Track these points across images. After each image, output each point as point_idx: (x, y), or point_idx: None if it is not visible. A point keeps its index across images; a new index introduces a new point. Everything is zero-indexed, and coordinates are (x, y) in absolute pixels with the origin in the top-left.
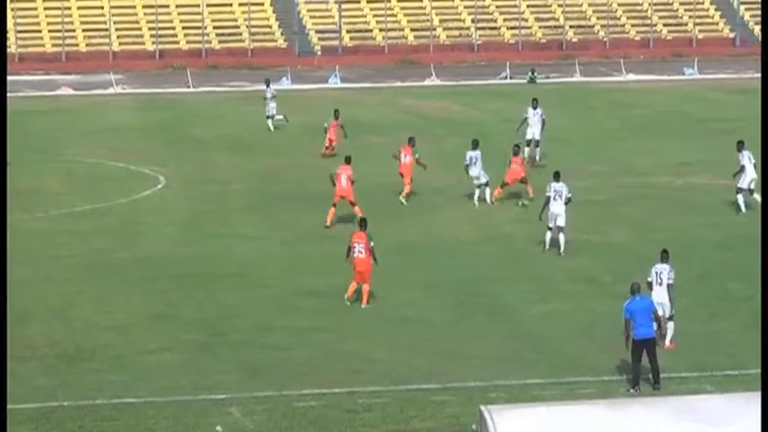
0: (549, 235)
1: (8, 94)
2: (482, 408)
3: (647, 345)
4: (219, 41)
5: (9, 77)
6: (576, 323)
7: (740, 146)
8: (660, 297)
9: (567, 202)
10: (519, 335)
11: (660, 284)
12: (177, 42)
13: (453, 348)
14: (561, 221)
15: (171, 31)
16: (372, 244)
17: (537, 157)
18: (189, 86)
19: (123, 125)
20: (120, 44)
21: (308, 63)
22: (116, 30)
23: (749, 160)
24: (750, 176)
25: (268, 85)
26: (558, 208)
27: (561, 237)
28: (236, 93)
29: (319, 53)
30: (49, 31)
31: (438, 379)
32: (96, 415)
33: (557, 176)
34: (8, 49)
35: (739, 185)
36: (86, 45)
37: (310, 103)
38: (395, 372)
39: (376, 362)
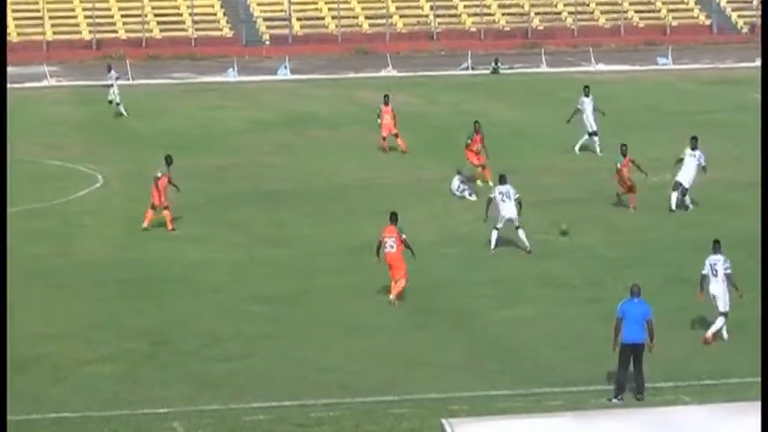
0: (495, 234)
1: None
2: (443, 421)
3: (635, 350)
4: (161, 30)
5: None
6: (543, 330)
7: (693, 143)
8: (716, 290)
9: (519, 203)
10: (482, 342)
11: (716, 276)
12: (115, 31)
13: (412, 357)
14: (516, 221)
15: (109, 20)
16: (405, 236)
17: (598, 150)
18: (128, 78)
19: (58, 120)
20: (54, 33)
21: (256, 53)
22: (50, 18)
23: (697, 159)
24: (689, 175)
25: (110, 71)
26: (509, 210)
27: (522, 234)
28: (178, 85)
29: (268, 42)
30: None
31: (396, 390)
32: (32, 431)
33: (503, 179)
34: None
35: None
36: (18, 35)
37: (258, 96)
38: (349, 382)
39: (329, 371)
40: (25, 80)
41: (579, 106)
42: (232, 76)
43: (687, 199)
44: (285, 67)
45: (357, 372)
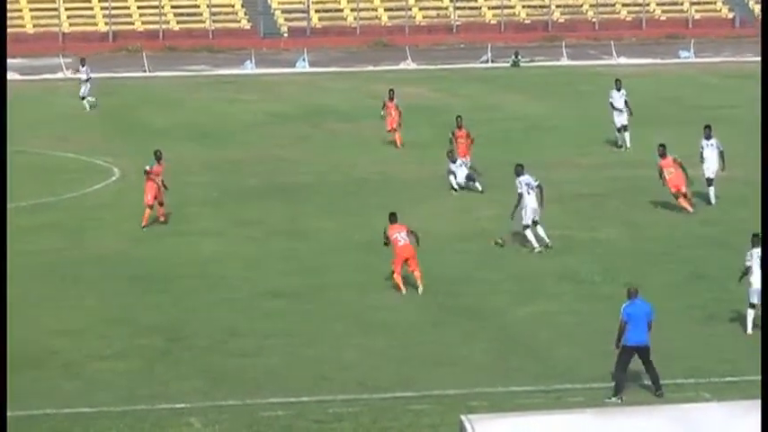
0: (530, 233)
1: None
2: (463, 417)
3: (640, 352)
4: (178, 22)
5: None
6: (563, 326)
7: (707, 132)
8: (758, 283)
9: (541, 192)
10: (502, 339)
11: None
12: (132, 23)
13: (432, 353)
14: (538, 215)
15: (125, 11)
16: (413, 229)
17: (627, 144)
18: (145, 70)
19: (74, 113)
20: (70, 25)
21: (274, 45)
22: (66, 9)
23: (715, 147)
24: (714, 166)
25: (83, 65)
26: (534, 202)
27: (542, 230)
28: (195, 77)
29: (286, 35)
30: None
31: (415, 386)
32: (46, 425)
33: (521, 169)
34: None
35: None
36: (34, 26)
37: (276, 88)
38: (368, 379)
39: (348, 368)
40: (41, 72)
41: (611, 100)
42: (250, 68)
43: (712, 192)
44: (303, 60)
45: (375, 368)
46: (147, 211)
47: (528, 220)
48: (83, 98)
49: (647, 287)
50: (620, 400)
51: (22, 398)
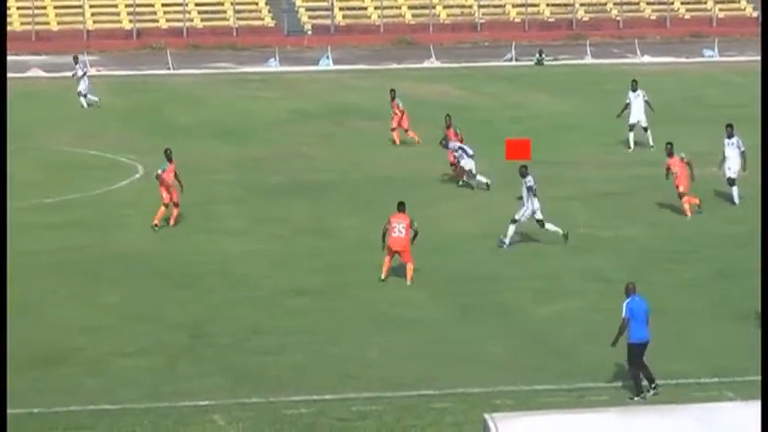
0: (513, 228)
1: None
2: (486, 416)
3: (644, 349)
4: (202, 20)
5: None
6: (587, 324)
7: (729, 131)
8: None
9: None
10: (525, 337)
11: None
12: (156, 21)
13: (455, 351)
14: (541, 214)
15: (149, 9)
16: (416, 225)
17: (650, 143)
18: (169, 68)
19: (98, 110)
20: (94, 23)
21: (298, 43)
22: (90, 7)
23: (736, 146)
24: (736, 165)
25: (77, 62)
26: (537, 202)
27: (552, 227)
28: (219, 75)
29: (310, 32)
30: (18, 8)
31: (438, 384)
32: (70, 422)
33: (525, 170)
34: None
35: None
36: (58, 23)
37: (299, 86)
38: (391, 377)
39: (371, 366)
40: (65, 69)
41: (627, 101)
42: (273, 66)
43: (735, 192)
44: (327, 58)
45: (398, 366)
46: (162, 209)
47: (520, 216)
48: (80, 95)
49: (671, 285)
50: (643, 399)
51: (45, 395)
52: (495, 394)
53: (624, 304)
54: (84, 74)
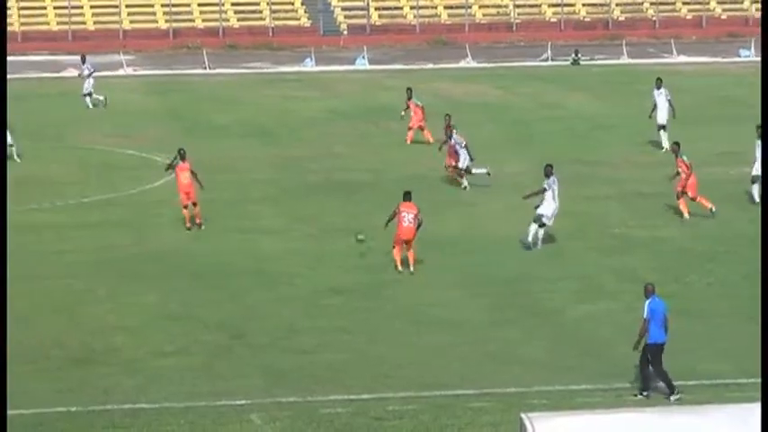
0: (535, 229)
1: (10, 76)
2: (523, 415)
3: (661, 350)
4: (238, 19)
5: (11, 58)
6: (622, 325)
7: (760, 131)
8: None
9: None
10: (561, 337)
11: None
12: (192, 20)
13: (491, 351)
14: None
15: (186, 8)
16: (421, 216)
17: (664, 145)
18: (205, 68)
19: (134, 109)
20: (131, 22)
21: (334, 43)
22: (126, 7)
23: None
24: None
25: (84, 62)
26: (556, 202)
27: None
28: (255, 75)
29: (345, 32)
30: (55, 7)
31: (475, 384)
32: (107, 421)
33: (550, 169)
34: (10, 27)
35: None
36: (95, 23)
37: (335, 86)
38: (428, 376)
39: (407, 366)
40: (101, 69)
41: (654, 99)
42: (309, 65)
43: (755, 191)
44: (363, 57)
45: (435, 365)
46: (184, 211)
47: (546, 220)
48: (85, 95)
49: (706, 286)
50: (679, 397)
51: (83, 394)
52: (531, 394)
53: (645, 305)
54: (91, 73)
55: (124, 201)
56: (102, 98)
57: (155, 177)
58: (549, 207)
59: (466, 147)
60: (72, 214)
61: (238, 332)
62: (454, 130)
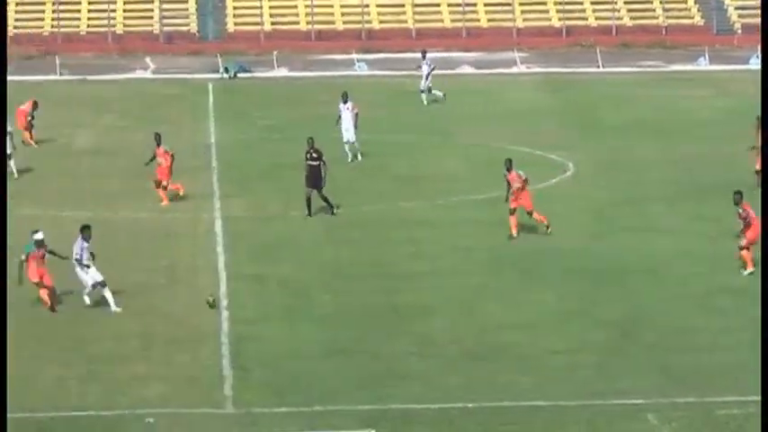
0: None
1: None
2: None
3: None
4: (631, 18)
5: (406, 55)
6: None
7: None
8: None
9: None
10: None
11: None
12: (585, 18)
13: None
14: None
15: (579, 7)
16: None
17: None
18: (598, 66)
19: (527, 107)
20: (524, 20)
21: (727, 42)
22: (519, 5)
23: None
24: None
25: (424, 58)
26: None
27: None
28: (647, 73)
29: (739, 31)
30: (448, 5)
31: None
32: (502, 418)
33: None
34: (406, 25)
35: None
36: (488, 21)
37: (728, 85)
38: None
39: None
40: (495, 66)
41: None
42: (703, 64)
43: None
44: (756, 57)
45: None
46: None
47: None
48: (422, 91)
49: None
50: None
51: (477, 390)
52: None
53: None
54: (431, 70)
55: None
56: (440, 94)
57: (549, 175)
58: None
59: None
60: (465, 211)
61: (631, 330)
62: None
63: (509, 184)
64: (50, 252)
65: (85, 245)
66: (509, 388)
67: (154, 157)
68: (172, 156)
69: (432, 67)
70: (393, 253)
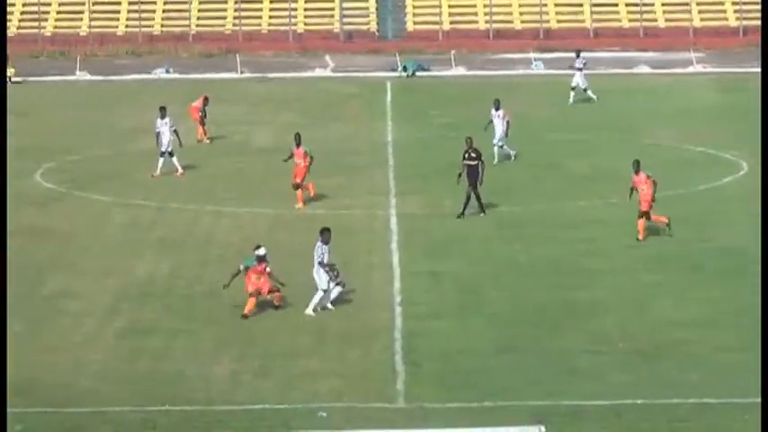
0: None
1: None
2: None
3: None
4: None
5: (587, 54)
6: None
7: None
8: None
9: None
10: None
11: None
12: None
13: None
14: None
15: (755, 7)
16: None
17: None
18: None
19: (703, 107)
20: (701, 20)
21: None
22: (697, 4)
23: None
24: None
25: (578, 56)
26: None
27: None
28: None
29: None
30: (626, 4)
31: None
32: (670, 415)
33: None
34: (584, 24)
35: None
36: (665, 20)
37: None
38: None
39: None
40: (671, 66)
41: None
42: None
43: None
44: None
45: None
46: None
47: None
48: (573, 88)
49: None
50: None
51: (648, 386)
52: None
53: None
54: (582, 67)
55: (692, 197)
56: (594, 96)
57: (723, 174)
58: None
59: None
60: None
61: None
62: None
63: (634, 185)
64: (269, 274)
65: (325, 247)
66: (678, 385)
67: (291, 156)
68: (311, 158)
69: (584, 63)
70: (566, 250)
